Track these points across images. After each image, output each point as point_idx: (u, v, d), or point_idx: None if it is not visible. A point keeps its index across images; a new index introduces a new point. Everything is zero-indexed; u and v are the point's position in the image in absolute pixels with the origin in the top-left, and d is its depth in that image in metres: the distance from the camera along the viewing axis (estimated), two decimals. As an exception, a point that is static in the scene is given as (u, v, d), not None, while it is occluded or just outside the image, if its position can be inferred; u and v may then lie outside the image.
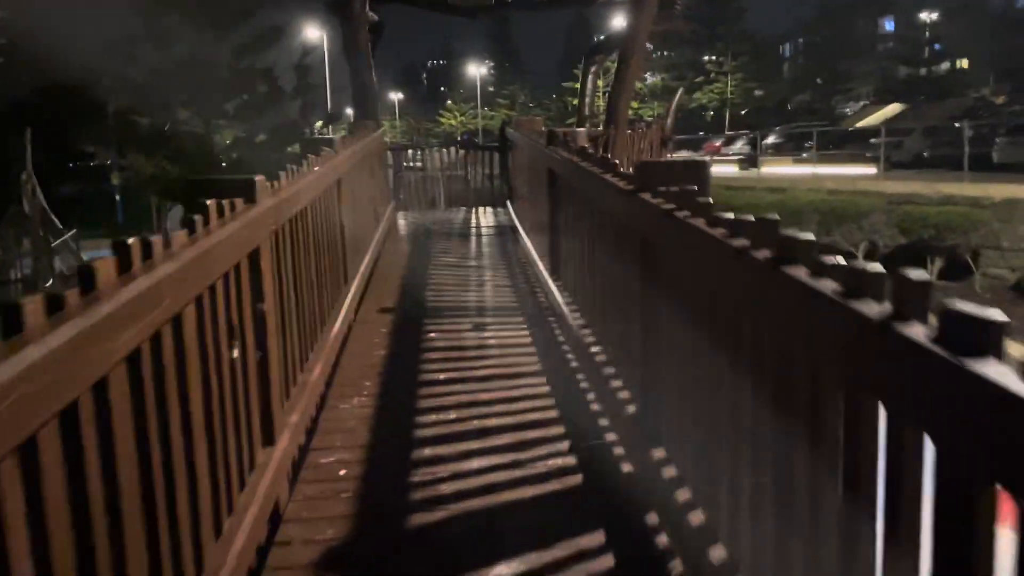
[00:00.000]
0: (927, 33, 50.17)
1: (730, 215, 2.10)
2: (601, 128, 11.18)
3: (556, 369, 4.21)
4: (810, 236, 1.68)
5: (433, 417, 3.62)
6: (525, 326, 5.05)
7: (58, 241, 12.42)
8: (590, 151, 4.24)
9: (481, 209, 11.32)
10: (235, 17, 11.28)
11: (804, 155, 26.59)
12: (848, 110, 50.55)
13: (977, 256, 14.07)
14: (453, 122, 63.46)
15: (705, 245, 2.08)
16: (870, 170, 22.22)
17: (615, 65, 12.01)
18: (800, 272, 1.59)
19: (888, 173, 20.56)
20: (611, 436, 3.33)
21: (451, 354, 4.54)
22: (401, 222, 10.01)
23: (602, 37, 19.77)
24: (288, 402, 3.17)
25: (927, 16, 50.47)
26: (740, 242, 1.91)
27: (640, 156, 11.41)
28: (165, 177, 11.00)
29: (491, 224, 9.83)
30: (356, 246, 5.78)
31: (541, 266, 5.91)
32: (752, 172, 25.84)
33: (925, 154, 23.91)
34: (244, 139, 12.36)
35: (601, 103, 19.08)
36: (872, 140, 26.04)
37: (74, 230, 12.67)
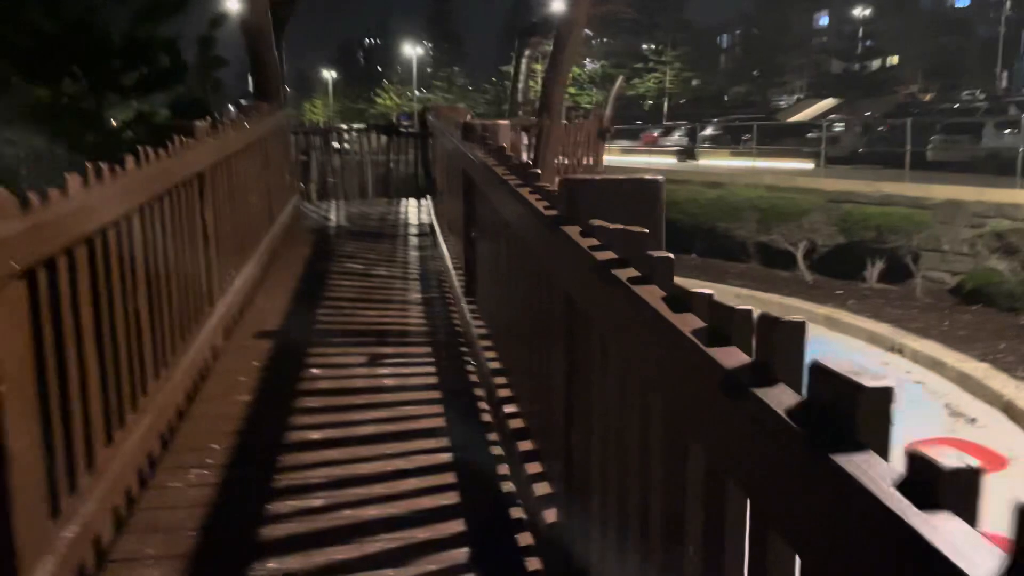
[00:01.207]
0: (860, 29, 50.76)
1: (708, 291, 1.26)
2: (535, 118, 10.30)
3: (463, 427, 3.34)
4: (885, 382, 0.84)
5: (292, 503, 2.73)
6: (432, 360, 4.17)
7: None
8: (509, 153, 3.36)
9: (402, 202, 10.37)
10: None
11: (741, 147, 26.27)
12: (783, 103, 50.85)
13: (918, 258, 13.71)
14: (389, 103, 61.67)
15: (666, 344, 1.23)
16: (808, 165, 21.93)
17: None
18: (869, 469, 0.75)
19: (826, 168, 20.24)
20: (527, 539, 2.50)
21: (333, 400, 3.63)
22: (309, 217, 8.97)
23: (537, 19, 18.84)
24: (70, 500, 2.24)
25: (860, 12, 51.05)
26: (734, 359, 1.07)
27: (576, 150, 10.59)
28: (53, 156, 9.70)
29: (410, 222, 8.90)
30: (233, 255, 4.80)
31: (456, 282, 5.03)
32: (690, 164, 25.34)
33: (860, 150, 23.75)
34: (144, 117, 10.97)
35: (537, 88, 18.20)
36: (809, 135, 25.85)
37: None
